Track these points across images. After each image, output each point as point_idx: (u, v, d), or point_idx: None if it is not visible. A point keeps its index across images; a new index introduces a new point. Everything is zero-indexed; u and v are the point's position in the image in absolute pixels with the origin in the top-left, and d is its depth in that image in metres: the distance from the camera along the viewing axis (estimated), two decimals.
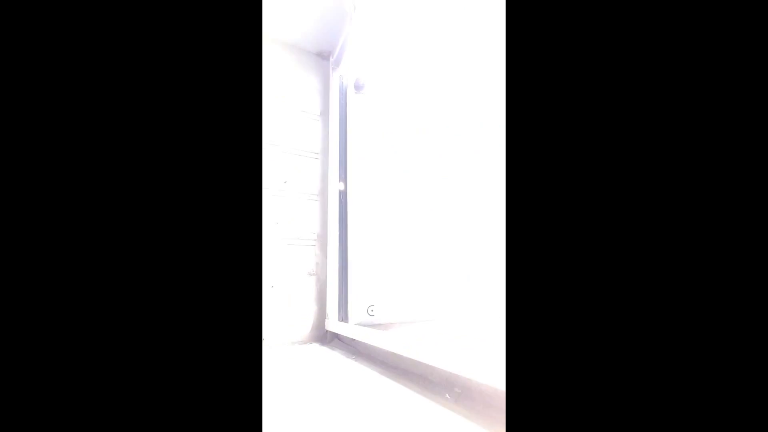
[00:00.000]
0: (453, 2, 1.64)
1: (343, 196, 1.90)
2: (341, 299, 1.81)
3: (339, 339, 1.72)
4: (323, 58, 2.04)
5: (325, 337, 1.75)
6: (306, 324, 1.76)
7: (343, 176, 1.92)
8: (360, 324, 1.67)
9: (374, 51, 1.91)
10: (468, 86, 2.23)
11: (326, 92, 2.01)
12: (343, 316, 1.78)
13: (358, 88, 2.00)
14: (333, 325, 1.68)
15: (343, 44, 1.93)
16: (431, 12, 1.78)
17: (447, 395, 0.86)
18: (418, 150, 2.24)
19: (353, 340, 1.45)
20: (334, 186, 1.90)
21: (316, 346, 1.68)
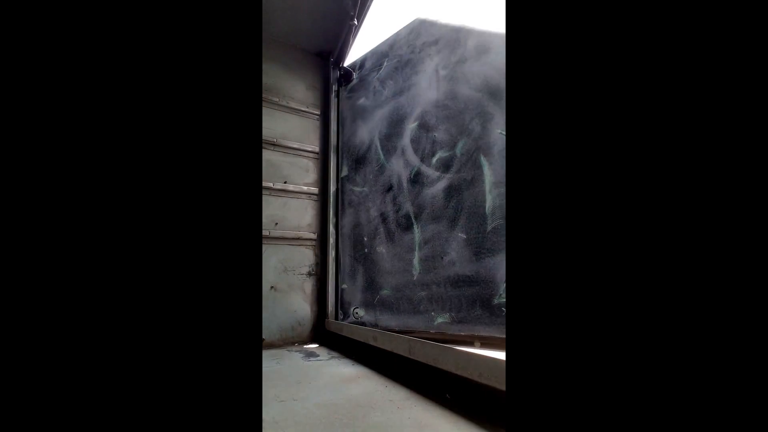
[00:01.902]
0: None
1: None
2: (341, 299, 1.81)
3: (339, 339, 1.72)
4: (323, 58, 2.04)
5: (325, 337, 1.75)
6: (306, 324, 1.76)
7: (342, 176, 1.93)
8: (359, 324, 1.67)
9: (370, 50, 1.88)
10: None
11: (327, 93, 2.01)
12: (343, 316, 1.78)
13: (347, 78, 1.93)
14: (333, 325, 1.68)
15: (343, 45, 1.93)
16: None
17: (447, 395, 0.86)
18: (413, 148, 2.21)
19: (353, 340, 1.44)
20: (334, 186, 1.90)
21: (316, 345, 1.68)
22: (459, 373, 0.79)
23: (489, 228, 1.15)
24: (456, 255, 1.24)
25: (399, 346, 1.05)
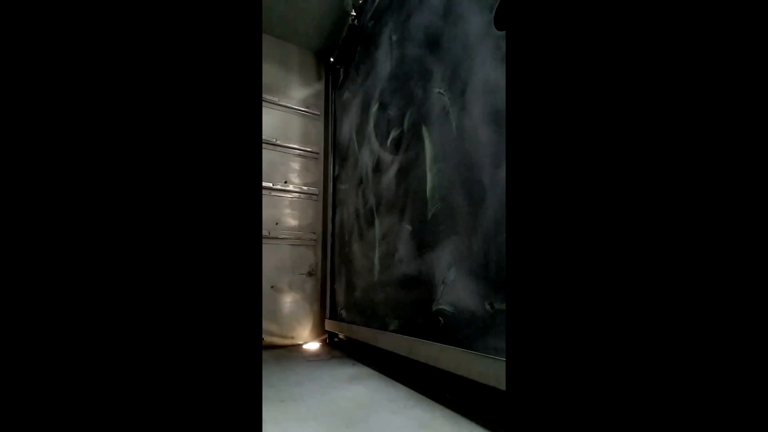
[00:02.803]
0: None
1: (342, 196, 1.90)
2: (334, 299, 1.81)
3: (339, 338, 1.72)
4: (323, 57, 2.04)
5: (325, 336, 1.75)
6: (306, 324, 1.76)
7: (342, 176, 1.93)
8: (359, 324, 1.67)
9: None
10: None
11: (326, 92, 2.01)
12: (342, 316, 1.78)
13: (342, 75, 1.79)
14: (333, 324, 1.68)
15: (344, 44, 1.93)
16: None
17: (447, 395, 0.86)
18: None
19: (353, 340, 1.44)
20: (332, 186, 1.90)
21: (316, 345, 1.68)
22: (459, 373, 0.79)
23: (429, 215, 0.96)
24: (403, 251, 1.07)
25: (398, 346, 1.05)
